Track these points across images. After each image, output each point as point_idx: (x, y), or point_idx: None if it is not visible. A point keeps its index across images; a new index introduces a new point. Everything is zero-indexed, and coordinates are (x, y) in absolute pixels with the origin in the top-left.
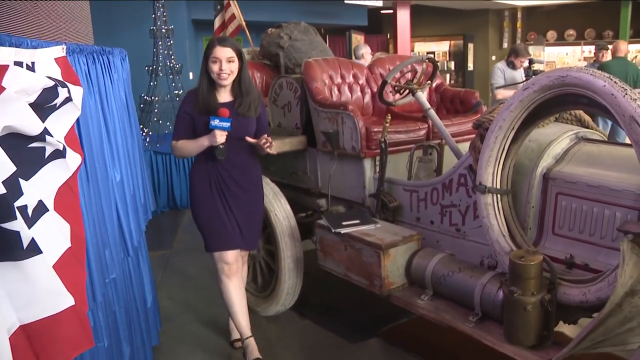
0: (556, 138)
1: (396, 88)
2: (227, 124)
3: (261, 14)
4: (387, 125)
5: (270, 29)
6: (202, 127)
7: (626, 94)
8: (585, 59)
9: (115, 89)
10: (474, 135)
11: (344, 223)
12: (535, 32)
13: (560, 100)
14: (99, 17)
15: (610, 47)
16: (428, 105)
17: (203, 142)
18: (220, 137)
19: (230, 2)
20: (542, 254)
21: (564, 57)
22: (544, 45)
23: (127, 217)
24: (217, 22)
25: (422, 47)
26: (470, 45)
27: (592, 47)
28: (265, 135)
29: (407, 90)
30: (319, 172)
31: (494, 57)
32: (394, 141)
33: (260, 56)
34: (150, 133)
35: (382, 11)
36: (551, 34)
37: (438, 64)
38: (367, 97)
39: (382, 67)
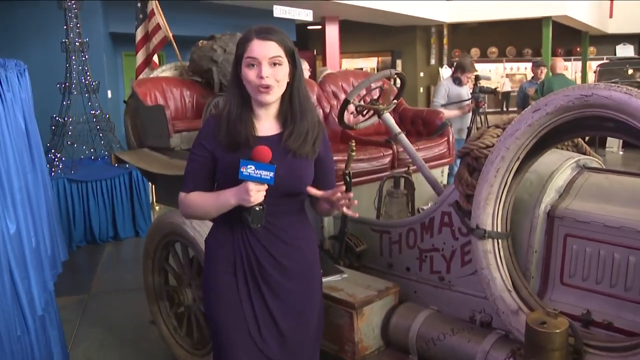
0: (557, 168)
1: (358, 109)
2: (268, 174)
3: (184, 28)
4: (353, 154)
5: (201, 41)
6: (231, 171)
7: None
8: (507, 75)
9: (10, 112)
10: (443, 161)
11: None
12: (459, 49)
13: (578, 124)
14: None
15: (545, 64)
16: (398, 129)
17: (228, 200)
18: (257, 193)
19: (155, 10)
20: (567, 319)
21: (487, 73)
22: None
23: (27, 279)
24: (139, 34)
25: (350, 64)
26: (399, 62)
27: (513, 65)
28: (343, 189)
29: (371, 111)
30: None
31: (422, 74)
32: (355, 171)
33: (190, 72)
34: (63, 159)
35: (308, 27)
36: (475, 51)
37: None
38: None
39: (335, 84)
